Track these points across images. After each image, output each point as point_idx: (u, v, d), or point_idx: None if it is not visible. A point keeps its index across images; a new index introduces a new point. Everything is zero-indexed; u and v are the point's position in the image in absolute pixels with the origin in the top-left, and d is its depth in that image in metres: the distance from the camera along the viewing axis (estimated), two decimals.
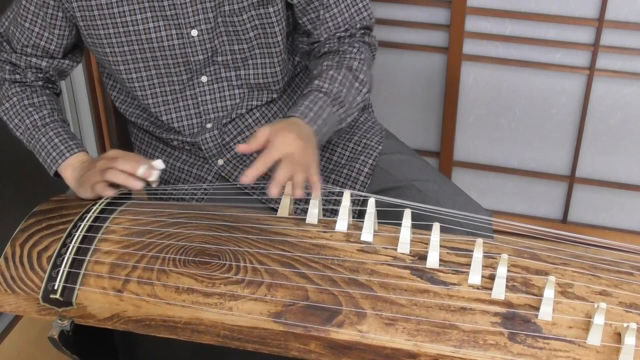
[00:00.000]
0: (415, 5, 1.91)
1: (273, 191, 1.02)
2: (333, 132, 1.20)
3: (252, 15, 1.21)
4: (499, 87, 1.94)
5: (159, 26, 1.20)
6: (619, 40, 1.81)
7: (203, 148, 1.31)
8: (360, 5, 1.27)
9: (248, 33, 1.23)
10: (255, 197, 1.31)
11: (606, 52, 1.82)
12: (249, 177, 1.03)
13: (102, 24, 1.20)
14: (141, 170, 1.14)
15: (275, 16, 1.21)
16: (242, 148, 1.06)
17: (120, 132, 1.58)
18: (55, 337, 1.06)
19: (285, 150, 1.04)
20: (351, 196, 1.09)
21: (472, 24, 1.89)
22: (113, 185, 1.16)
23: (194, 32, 1.21)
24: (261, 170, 1.04)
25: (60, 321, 1.07)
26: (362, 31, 1.29)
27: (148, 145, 1.40)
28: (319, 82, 1.18)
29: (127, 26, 1.20)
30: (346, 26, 1.26)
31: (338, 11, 1.25)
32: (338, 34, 1.26)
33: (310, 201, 1.10)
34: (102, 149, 2.16)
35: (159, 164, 1.17)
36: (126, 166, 1.14)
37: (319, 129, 1.13)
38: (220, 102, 1.29)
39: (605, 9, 1.77)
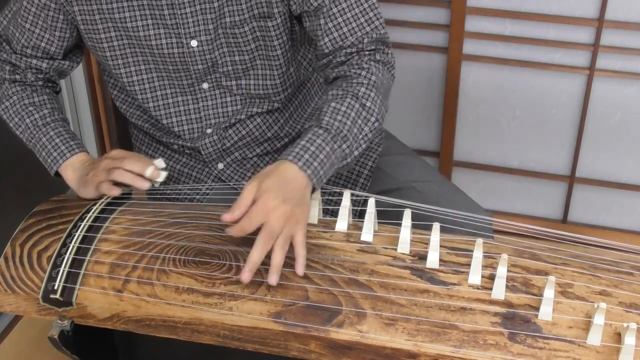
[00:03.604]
0: (415, 5, 1.91)
1: (244, 277, 0.97)
2: (338, 168, 1.09)
3: (253, 27, 1.20)
4: (499, 87, 1.94)
5: (160, 34, 1.20)
6: (619, 40, 1.81)
7: (203, 153, 1.31)
8: (371, 14, 1.17)
9: (249, 44, 1.22)
10: None
11: (606, 52, 1.82)
12: (233, 233, 0.98)
13: (103, 28, 1.20)
14: (149, 171, 1.14)
15: (274, 30, 1.20)
16: (227, 218, 0.98)
17: (120, 132, 1.58)
18: (55, 337, 1.06)
19: (265, 217, 0.97)
20: (351, 196, 1.09)
21: (472, 24, 1.89)
22: (117, 184, 1.16)
23: (194, 43, 1.21)
24: (242, 234, 0.98)
25: (60, 321, 1.07)
26: (373, 47, 1.18)
27: (148, 146, 1.40)
28: (319, 116, 1.09)
29: (128, 31, 1.20)
30: (353, 38, 1.16)
31: (343, 20, 1.16)
32: (345, 49, 1.17)
33: (310, 201, 1.10)
34: (102, 149, 2.16)
35: (159, 162, 1.18)
36: (134, 166, 1.14)
37: (315, 171, 1.03)
38: (221, 107, 1.29)
39: (605, 9, 1.77)
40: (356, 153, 1.11)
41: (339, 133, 1.07)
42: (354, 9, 1.16)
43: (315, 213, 1.10)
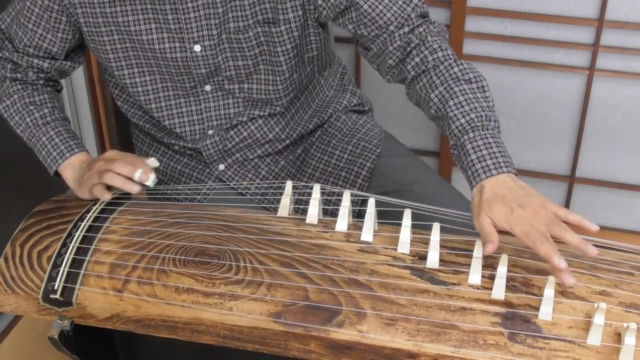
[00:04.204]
0: None
1: (570, 281, 0.93)
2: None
3: (257, 32, 1.20)
4: (499, 87, 1.94)
5: (163, 37, 1.20)
6: (619, 40, 1.81)
7: (204, 154, 1.31)
8: (401, 2, 1.16)
9: (253, 50, 1.22)
10: (249, 197, 1.31)
11: (606, 52, 1.82)
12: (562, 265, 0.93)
13: (106, 31, 1.20)
14: (137, 175, 1.14)
15: (277, 37, 1.20)
16: (489, 250, 0.96)
17: (120, 132, 1.58)
18: (55, 337, 1.06)
19: (526, 226, 0.95)
20: (351, 196, 1.09)
21: (472, 24, 1.89)
22: (111, 187, 1.16)
23: (197, 48, 1.20)
24: (551, 251, 0.93)
25: (60, 321, 1.07)
26: (421, 21, 1.17)
27: (149, 146, 1.39)
28: (453, 125, 1.07)
29: (131, 35, 1.20)
30: (398, 20, 1.16)
31: (384, 7, 1.16)
32: (397, 32, 1.16)
33: (310, 201, 1.10)
34: (102, 149, 2.16)
35: (152, 162, 1.18)
36: (123, 170, 1.14)
37: (505, 164, 1.02)
38: (223, 109, 1.29)
39: (605, 9, 1.77)
40: (499, 120, 1.08)
41: (481, 120, 1.05)
42: None
43: (315, 213, 1.10)
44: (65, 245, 1.10)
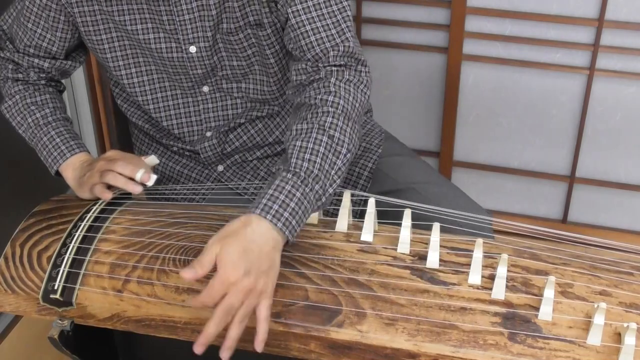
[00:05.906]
0: (415, 5, 1.91)
1: (197, 350, 0.92)
2: (313, 210, 1.01)
3: (248, 34, 1.20)
4: (499, 87, 1.94)
5: (159, 37, 1.20)
6: (619, 40, 1.81)
7: (202, 156, 1.31)
8: (334, 31, 1.11)
9: (246, 51, 1.22)
10: (248, 197, 1.31)
11: (606, 52, 1.82)
12: (193, 304, 0.94)
13: (104, 29, 1.20)
14: (139, 175, 1.14)
15: (265, 40, 1.20)
16: (187, 276, 0.92)
17: (120, 132, 1.58)
18: (55, 337, 1.06)
19: (225, 291, 0.92)
20: (351, 196, 1.09)
21: (472, 24, 1.89)
22: (111, 186, 1.16)
23: (193, 49, 1.20)
24: (203, 307, 0.94)
25: (60, 321, 1.07)
26: (342, 62, 1.11)
27: (148, 146, 1.39)
28: (286, 158, 1.02)
29: (128, 32, 1.20)
30: (314, 51, 1.11)
31: (306, 31, 1.11)
32: (310, 61, 1.11)
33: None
34: (102, 149, 2.16)
35: (152, 159, 1.18)
36: (125, 170, 1.14)
37: (287, 223, 0.96)
38: (222, 110, 1.29)
39: (605, 9, 1.77)
40: (331, 190, 1.02)
41: (310, 174, 0.99)
42: (325, 19, 1.11)
43: (315, 213, 1.09)
44: (65, 245, 1.10)
